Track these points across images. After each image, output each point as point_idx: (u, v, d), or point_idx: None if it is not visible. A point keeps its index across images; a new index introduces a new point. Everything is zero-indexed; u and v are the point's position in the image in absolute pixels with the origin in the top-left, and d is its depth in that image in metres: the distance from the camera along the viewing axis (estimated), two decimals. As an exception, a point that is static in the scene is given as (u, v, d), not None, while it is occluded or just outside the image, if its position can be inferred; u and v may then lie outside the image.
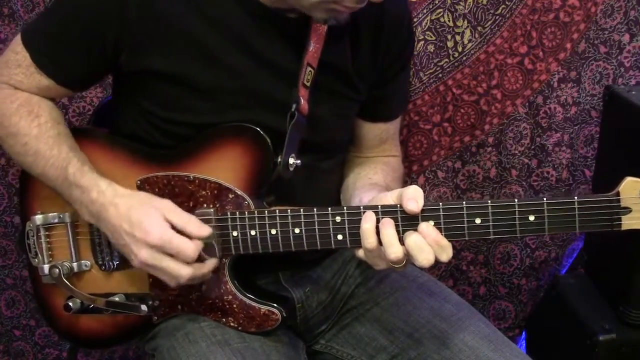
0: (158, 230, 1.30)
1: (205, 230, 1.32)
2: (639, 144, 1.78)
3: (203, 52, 1.36)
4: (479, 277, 2.24)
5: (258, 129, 1.36)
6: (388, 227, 1.22)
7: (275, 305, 1.41)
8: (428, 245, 1.20)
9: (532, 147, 2.08)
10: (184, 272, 1.32)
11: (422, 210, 1.23)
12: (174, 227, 1.31)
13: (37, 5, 1.93)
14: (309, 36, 1.38)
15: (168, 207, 1.34)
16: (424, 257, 1.19)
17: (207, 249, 1.35)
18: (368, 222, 1.23)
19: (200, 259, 1.34)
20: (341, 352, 1.60)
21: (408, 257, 1.22)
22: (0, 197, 2.12)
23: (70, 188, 1.39)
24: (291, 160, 1.38)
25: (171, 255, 1.31)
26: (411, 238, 1.20)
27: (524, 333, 2.32)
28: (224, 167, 1.38)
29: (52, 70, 1.43)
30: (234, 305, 1.42)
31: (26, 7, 1.93)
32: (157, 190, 1.40)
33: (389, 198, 1.27)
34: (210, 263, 1.36)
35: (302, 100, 1.39)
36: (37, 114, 1.44)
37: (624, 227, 1.21)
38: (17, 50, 1.43)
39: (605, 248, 2.04)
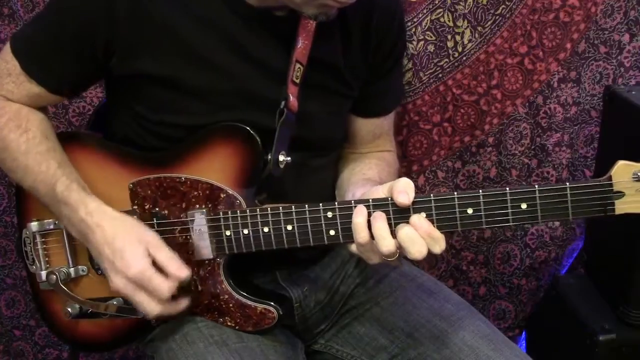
0: (138, 265, 1.31)
1: (184, 272, 1.33)
2: (639, 144, 1.78)
3: (193, 54, 1.36)
4: (479, 277, 2.23)
5: (247, 128, 1.36)
6: (379, 220, 1.22)
7: (271, 303, 1.41)
8: (420, 237, 1.20)
9: (532, 147, 2.08)
10: (154, 309, 1.33)
11: (414, 202, 1.23)
12: (154, 262, 1.32)
13: (37, 5, 1.93)
14: (298, 33, 1.38)
15: (152, 242, 1.34)
16: (416, 250, 1.19)
17: (181, 291, 1.36)
18: (359, 216, 1.23)
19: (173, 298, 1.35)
20: (341, 352, 1.60)
21: (401, 250, 1.21)
22: (0, 197, 2.13)
23: (58, 205, 1.39)
24: (281, 158, 1.38)
25: (146, 290, 1.32)
26: (403, 231, 1.20)
27: (524, 333, 2.32)
28: (215, 167, 1.38)
29: (42, 78, 1.43)
30: (230, 305, 1.42)
31: (26, 7, 1.93)
32: (149, 192, 1.41)
33: (380, 192, 1.27)
34: (182, 304, 1.38)
35: (291, 97, 1.39)
36: (26, 128, 1.43)
37: (618, 212, 1.20)
38: (7, 59, 1.43)
39: (605, 248, 2.03)
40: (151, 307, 1.33)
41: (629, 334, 1.88)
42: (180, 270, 1.32)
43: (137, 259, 1.31)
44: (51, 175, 1.39)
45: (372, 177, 1.54)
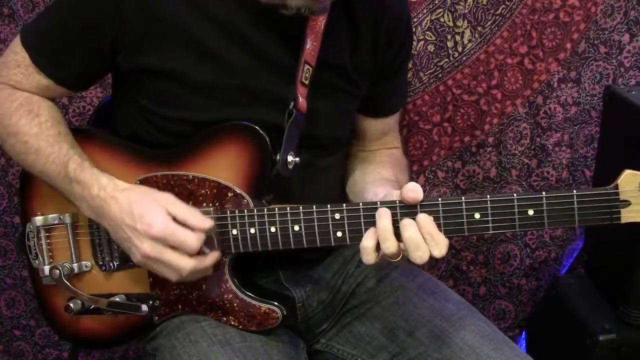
0: (161, 222, 1.29)
1: (207, 222, 1.32)
2: (639, 144, 1.78)
3: (200, 49, 1.37)
4: (479, 277, 2.24)
5: (256, 127, 1.36)
6: (384, 219, 1.23)
7: (275, 303, 1.41)
8: (424, 243, 1.21)
9: (532, 147, 2.08)
10: (187, 264, 1.31)
11: (421, 206, 1.23)
12: (175, 220, 1.31)
13: (37, 5, 1.93)
14: (306, 34, 1.39)
15: (169, 200, 1.33)
16: (419, 255, 1.21)
17: (207, 245, 1.34)
18: (369, 239, 1.25)
19: (201, 253, 1.33)
20: (342, 351, 1.59)
21: (404, 252, 1.23)
22: (0, 197, 2.12)
23: (70, 184, 1.38)
24: (290, 158, 1.38)
25: (173, 248, 1.30)
26: (409, 233, 1.21)
27: (524, 333, 2.32)
28: (223, 166, 1.38)
29: (51, 70, 1.43)
30: (235, 304, 1.41)
31: (26, 7, 1.93)
32: (156, 189, 1.40)
33: (394, 198, 1.28)
34: (212, 256, 1.35)
35: (300, 98, 1.39)
36: (37, 112, 1.44)
37: (624, 220, 1.21)
38: (17, 51, 1.44)
39: (605, 248, 2.04)
40: (183, 263, 1.31)
41: (629, 334, 1.88)
42: (203, 221, 1.32)
43: (157, 217, 1.30)
44: (63, 155, 1.39)
45: (388, 177, 1.55)
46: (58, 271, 1.47)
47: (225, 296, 1.41)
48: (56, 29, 1.42)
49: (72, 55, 1.42)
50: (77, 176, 1.37)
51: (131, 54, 1.38)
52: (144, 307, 1.43)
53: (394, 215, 1.24)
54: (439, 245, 1.22)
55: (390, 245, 1.22)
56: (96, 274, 1.50)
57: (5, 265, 2.20)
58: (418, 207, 1.24)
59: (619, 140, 1.93)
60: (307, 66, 1.39)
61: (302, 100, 1.40)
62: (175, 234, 1.29)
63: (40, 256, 1.51)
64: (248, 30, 1.38)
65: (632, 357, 1.89)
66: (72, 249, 1.49)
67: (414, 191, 1.23)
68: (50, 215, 1.50)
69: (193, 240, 1.30)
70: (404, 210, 1.24)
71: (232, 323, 1.43)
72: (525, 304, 2.28)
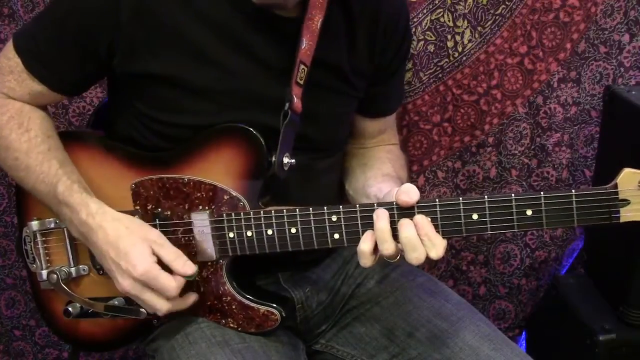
0: (144, 265, 1.31)
1: (190, 268, 1.34)
2: (639, 144, 1.78)
3: (196, 53, 1.36)
4: (479, 277, 2.24)
5: (251, 129, 1.36)
6: (382, 220, 1.23)
7: (274, 305, 1.41)
8: (421, 245, 1.21)
9: (532, 147, 2.08)
10: (162, 306, 1.34)
11: (419, 207, 1.23)
12: (159, 261, 1.33)
13: (37, 5, 1.93)
14: (301, 34, 1.38)
15: (157, 241, 1.34)
16: (415, 257, 1.22)
17: (188, 286, 1.37)
18: (367, 242, 1.26)
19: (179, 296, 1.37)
20: (341, 352, 1.59)
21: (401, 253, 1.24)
22: (0, 197, 2.13)
23: (59, 206, 1.39)
24: (285, 160, 1.38)
25: (152, 290, 1.33)
26: (407, 233, 1.21)
27: (524, 333, 2.32)
28: (219, 169, 1.38)
29: (44, 76, 1.42)
30: (233, 306, 1.41)
31: (26, 7, 1.93)
32: (152, 192, 1.40)
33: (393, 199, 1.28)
34: (189, 299, 1.40)
35: (295, 99, 1.39)
36: (27, 127, 1.43)
37: (623, 219, 1.21)
38: (10, 56, 1.43)
39: (606, 248, 2.04)
40: (160, 305, 1.33)
41: (629, 334, 1.89)
42: (186, 267, 1.33)
43: (142, 258, 1.31)
44: (52, 175, 1.39)
45: (390, 173, 1.56)
46: (56, 275, 1.47)
47: (224, 299, 1.41)
48: (51, 33, 1.40)
49: (66, 60, 1.41)
50: (65, 199, 1.37)
51: (127, 59, 1.37)
52: (143, 310, 1.43)
53: (391, 216, 1.24)
54: (436, 247, 1.22)
55: (388, 247, 1.23)
56: (94, 277, 1.50)
57: (5, 265, 2.20)
58: (415, 208, 1.24)
59: (619, 140, 1.92)
60: (302, 66, 1.39)
61: (297, 101, 1.39)
62: (156, 279, 1.31)
63: (37, 260, 1.51)
64: (243, 32, 1.37)
65: (632, 357, 1.89)
66: (70, 252, 1.49)
67: (407, 193, 1.23)
68: (47, 220, 1.49)
69: (172, 287, 1.32)
70: (402, 211, 1.24)
71: (231, 325, 1.43)
72: (525, 304, 2.28)
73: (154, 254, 1.33)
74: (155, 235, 1.35)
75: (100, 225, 1.34)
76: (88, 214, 1.35)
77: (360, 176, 1.59)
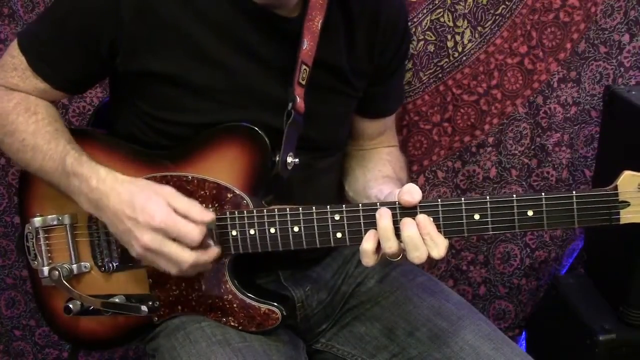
0: (162, 213, 1.29)
1: (208, 215, 1.32)
2: (639, 144, 1.78)
3: (198, 52, 1.36)
4: (479, 277, 2.24)
5: (255, 128, 1.36)
6: (385, 219, 1.24)
7: (275, 304, 1.41)
8: (423, 244, 1.22)
9: (532, 147, 2.08)
10: (188, 256, 1.30)
11: (421, 207, 1.24)
12: (176, 212, 1.30)
13: (37, 5, 1.93)
14: (302, 35, 1.39)
15: (170, 193, 1.33)
16: (417, 256, 1.22)
17: (208, 238, 1.34)
18: (369, 241, 1.26)
19: (202, 247, 1.32)
20: (342, 351, 1.59)
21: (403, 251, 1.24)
22: (0, 197, 2.12)
23: (68, 178, 1.38)
24: (289, 159, 1.38)
25: (174, 240, 1.30)
26: (409, 232, 1.22)
27: (524, 333, 2.32)
28: (222, 167, 1.38)
29: (47, 74, 1.43)
30: (234, 305, 1.41)
31: (26, 7, 1.93)
32: (156, 183, 1.40)
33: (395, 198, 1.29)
34: (213, 250, 1.35)
35: (298, 99, 1.39)
36: (35, 111, 1.44)
37: (623, 221, 1.21)
38: (14, 54, 1.44)
39: (606, 248, 2.04)
40: (184, 256, 1.30)
41: (629, 334, 1.89)
42: (203, 213, 1.31)
43: (158, 208, 1.29)
44: (60, 150, 1.39)
45: (390, 174, 1.56)
46: (57, 272, 1.47)
47: (225, 297, 1.41)
48: (54, 32, 1.41)
49: (69, 59, 1.42)
50: (74, 169, 1.37)
51: (129, 58, 1.37)
52: (144, 308, 1.43)
53: (394, 216, 1.24)
54: (438, 246, 1.22)
55: (391, 245, 1.23)
56: (95, 274, 1.50)
57: (5, 265, 2.20)
58: (417, 207, 1.24)
59: (619, 140, 1.93)
60: (304, 66, 1.39)
61: (299, 101, 1.40)
62: (176, 225, 1.28)
63: (39, 257, 1.51)
64: (244, 31, 1.38)
65: (632, 357, 1.89)
66: (71, 249, 1.49)
67: (409, 193, 1.23)
68: (49, 216, 1.49)
69: (195, 232, 1.29)
70: (404, 211, 1.24)
71: (232, 324, 1.43)
72: (525, 304, 2.28)
73: (169, 205, 1.30)
74: (167, 188, 1.34)
75: (112, 188, 1.33)
76: (99, 180, 1.35)
77: (361, 177, 1.60)
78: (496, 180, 2.12)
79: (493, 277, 2.24)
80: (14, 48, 1.44)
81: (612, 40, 1.99)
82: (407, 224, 1.22)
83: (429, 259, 1.23)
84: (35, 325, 2.28)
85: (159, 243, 1.29)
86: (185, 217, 1.30)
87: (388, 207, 1.25)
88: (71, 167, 1.37)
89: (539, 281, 2.24)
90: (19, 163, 1.49)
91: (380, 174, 1.57)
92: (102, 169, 1.36)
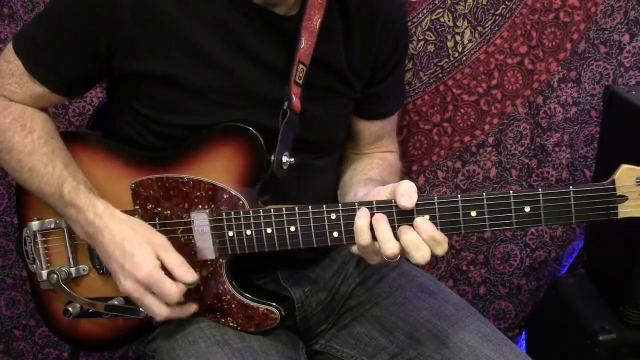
0: (148, 267, 1.33)
1: (191, 276, 1.35)
2: (639, 144, 1.78)
3: (195, 53, 1.36)
4: (479, 277, 2.23)
5: (250, 128, 1.36)
6: (382, 222, 1.23)
7: (273, 304, 1.41)
8: (424, 242, 1.21)
9: (532, 147, 2.08)
10: (162, 311, 1.36)
11: (417, 205, 1.23)
12: (162, 266, 1.34)
13: (37, 5, 1.93)
14: (300, 33, 1.39)
15: (161, 245, 1.36)
16: (420, 255, 1.21)
17: (188, 295, 1.38)
18: (362, 219, 1.24)
19: (180, 303, 1.39)
20: (341, 352, 1.60)
21: (403, 253, 1.23)
22: (0, 197, 2.13)
23: (65, 207, 1.40)
24: (284, 159, 1.38)
25: (154, 293, 1.34)
26: (407, 235, 1.21)
27: (524, 333, 2.32)
28: (218, 168, 1.38)
29: (45, 77, 1.42)
30: (233, 305, 1.42)
31: (26, 7, 1.93)
32: (151, 192, 1.41)
33: (382, 194, 1.28)
34: (189, 308, 1.42)
35: (294, 98, 1.39)
36: (31, 129, 1.43)
37: (621, 215, 1.21)
38: (10, 59, 1.43)
39: (606, 248, 2.03)
40: (160, 310, 1.35)
41: (629, 334, 1.88)
42: (187, 274, 1.35)
43: (147, 261, 1.33)
44: (57, 176, 1.40)
45: (374, 177, 1.55)
46: (56, 275, 1.48)
47: (223, 297, 1.42)
48: (50, 35, 1.40)
49: (66, 61, 1.41)
50: (72, 200, 1.38)
51: (127, 58, 1.37)
52: (142, 310, 1.43)
53: (389, 215, 1.24)
54: (441, 244, 1.22)
55: (391, 246, 1.22)
56: (94, 277, 1.50)
57: (5, 265, 2.20)
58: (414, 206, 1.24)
59: (619, 140, 1.92)
60: (301, 65, 1.39)
61: (296, 100, 1.40)
62: (158, 283, 1.33)
63: (37, 261, 1.51)
64: (241, 31, 1.38)
65: (632, 357, 1.89)
66: (69, 253, 1.50)
67: (407, 196, 1.22)
68: (47, 220, 1.50)
69: (174, 293, 1.34)
70: (399, 210, 1.24)
71: (231, 324, 1.43)
72: (525, 304, 2.28)
73: (158, 258, 1.34)
74: (160, 239, 1.37)
75: (107, 226, 1.35)
76: (95, 214, 1.36)
77: (348, 181, 1.60)
78: (496, 180, 2.12)
79: (493, 277, 2.23)
80: (9, 53, 1.43)
81: (612, 40, 1.98)
82: (404, 228, 1.22)
83: (433, 256, 1.22)
84: (35, 325, 2.28)
85: (140, 294, 1.35)
86: (170, 271, 1.34)
87: (387, 207, 1.25)
88: (68, 197, 1.38)
89: (539, 281, 2.24)
90: (16, 180, 1.50)
91: (365, 176, 1.57)
92: (100, 203, 1.38)
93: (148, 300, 1.35)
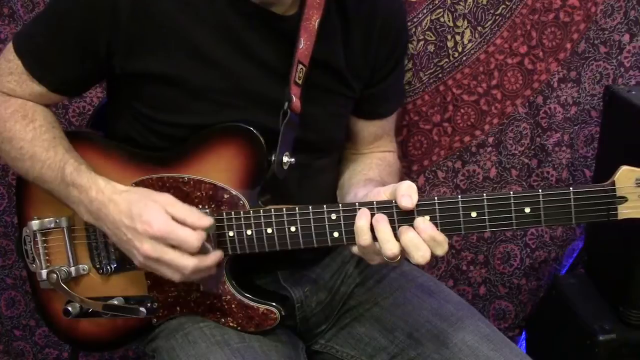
0: (160, 221, 1.28)
1: (206, 220, 1.31)
2: (639, 144, 1.78)
3: (195, 52, 1.36)
4: (479, 277, 2.24)
5: (251, 128, 1.36)
6: (382, 223, 1.22)
7: (273, 304, 1.41)
8: (424, 242, 1.20)
9: (532, 147, 2.08)
10: (188, 263, 1.29)
11: (418, 205, 1.23)
12: (174, 219, 1.30)
13: (37, 5, 1.93)
14: (299, 33, 1.39)
15: (168, 201, 1.32)
16: (420, 255, 1.20)
17: (208, 243, 1.34)
18: (362, 219, 1.24)
19: (202, 252, 1.32)
20: (341, 352, 1.59)
21: (404, 254, 1.22)
22: (0, 197, 2.13)
23: (67, 188, 1.38)
24: (285, 159, 1.38)
25: (174, 248, 1.29)
26: (407, 236, 1.21)
27: (524, 333, 2.32)
28: (219, 168, 1.38)
29: (44, 77, 1.43)
30: (233, 305, 1.42)
31: (26, 7, 1.93)
32: (154, 191, 1.40)
33: (382, 194, 1.28)
34: (214, 255, 1.34)
35: (294, 98, 1.39)
36: (32, 118, 1.43)
37: (621, 217, 1.21)
38: (10, 58, 1.43)
39: (606, 248, 2.04)
40: (185, 262, 1.29)
41: (629, 334, 1.88)
42: (202, 220, 1.31)
43: (156, 216, 1.29)
44: (59, 159, 1.39)
45: (374, 177, 1.55)
46: (55, 275, 1.47)
47: (224, 298, 1.42)
48: (49, 35, 1.41)
49: (66, 61, 1.41)
50: (74, 180, 1.37)
51: (127, 58, 1.37)
52: (142, 310, 1.43)
53: (390, 215, 1.24)
54: (441, 245, 1.22)
55: (392, 247, 1.21)
56: (94, 277, 1.50)
57: (5, 265, 2.20)
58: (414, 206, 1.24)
59: (619, 140, 1.93)
60: (300, 66, 1.39)
61: (296, 101, 1.40)
62: (175, 232, 1.28)
63: (37, 260, 1.51)
64: (241, 30, 1.38)
65: (632, 357, 1.89)
66: (69, 252, 1.49)
67: (407, 197, 1.22)
68: (47, 219, 1.50)
69: (193, 238, 1.28)
70: (400, 210, 1.24)
71: (231, 324, 1.43)
72: (525, 304, 2.28)
73: (167, 213, 1.30)
74: (164, 196, 1.34)
75: (110, 199, 1.34)
76: (98, 191, 1.35)
77: (347, 181, 1.59)
78: (496, 180, 2.12)
79: (493, 277, 2.23)
80: (9, 52, 1.43)
81: (612, 40, 1.98)
82: (404, 229, 1.22)
83: (433, 256, 1.22)
84: (35, 325, 2.28)
85: (159, 251, 1.29)
86: (183, 223, 1.30)
87: (387, 208, 1.25)
88: (70, 177, 1.37)
89: (539, 281, 2.24)
90: (17, 171, 1.49)
91: (364, 177, 1.56)
92: (100, 180, 1.36)
93: (170, 255, 1.29)
